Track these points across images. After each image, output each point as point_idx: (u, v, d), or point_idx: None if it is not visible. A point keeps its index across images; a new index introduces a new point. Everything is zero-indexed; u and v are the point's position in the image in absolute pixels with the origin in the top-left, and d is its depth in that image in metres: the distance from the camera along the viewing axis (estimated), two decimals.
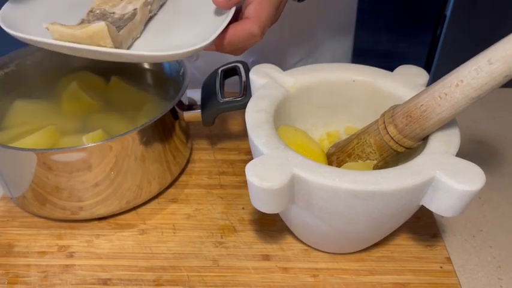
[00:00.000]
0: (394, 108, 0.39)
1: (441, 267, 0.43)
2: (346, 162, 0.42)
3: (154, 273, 0.42)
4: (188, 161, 0.54)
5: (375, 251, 0.44)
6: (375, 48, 1.65)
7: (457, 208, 0.34)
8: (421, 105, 0.35)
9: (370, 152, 0.40)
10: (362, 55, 0.97)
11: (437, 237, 0.45)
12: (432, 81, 0.36)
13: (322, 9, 0.66)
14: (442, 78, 0.34)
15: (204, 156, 0.56)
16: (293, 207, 0.37)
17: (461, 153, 0.36)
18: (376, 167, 0.41)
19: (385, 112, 0.39)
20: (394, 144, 0.38)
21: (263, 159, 0.34)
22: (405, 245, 0.45)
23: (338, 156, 0.43)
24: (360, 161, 0.41)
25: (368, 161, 0.40)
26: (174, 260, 0.43)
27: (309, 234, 0.42)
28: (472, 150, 0.57)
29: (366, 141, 0.40)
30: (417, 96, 0.36)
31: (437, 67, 1.63)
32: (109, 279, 0.42)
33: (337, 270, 0.42)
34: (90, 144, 0.41)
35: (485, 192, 0.51)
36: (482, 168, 0.33)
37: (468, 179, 0.32)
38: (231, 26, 0.39)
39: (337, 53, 0.74)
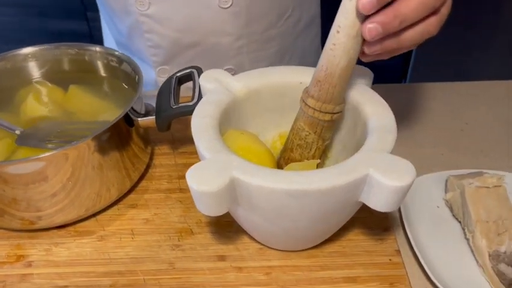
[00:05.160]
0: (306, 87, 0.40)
1: (390, 259, 0.44)
2: (292, 158, 0.43)
3: (111, 278, 0.43)
4: (148, 166, 0.55)
5: (327, 247, 0.45)
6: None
7: (392, 203, 0.35)
8: (322, 65, 0.38)
9: (306, 135, 0.41)
10: None
11: (389, 231, 0.47)
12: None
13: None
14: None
15: (165, 161, 0.56)
16: (239, 208, 0.38)
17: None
18: (321, 165, 0.42)
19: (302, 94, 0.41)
20: (320, 114, 0.40)
21: (204, 164, 0.36)
22: (357, 239, 0.46)
23: (283, 156, 0.44)
24: (301, 150, 0.42)
25: (312, 160, 0.42)
26: (131, 265, 0.44)
27: (259, 233, 0.44)
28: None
29: (298, 127, 0.42)
30: (318, 63, 0.38)
31: (411, 76, 1.66)
32: (66, 286, 0.43)
33: (290, 267, 0.44)
34: (44, 155, 0.41)
35: None
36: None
37: (399, 175, 0.34)
38: None
39: (305, 58, 0.77)
